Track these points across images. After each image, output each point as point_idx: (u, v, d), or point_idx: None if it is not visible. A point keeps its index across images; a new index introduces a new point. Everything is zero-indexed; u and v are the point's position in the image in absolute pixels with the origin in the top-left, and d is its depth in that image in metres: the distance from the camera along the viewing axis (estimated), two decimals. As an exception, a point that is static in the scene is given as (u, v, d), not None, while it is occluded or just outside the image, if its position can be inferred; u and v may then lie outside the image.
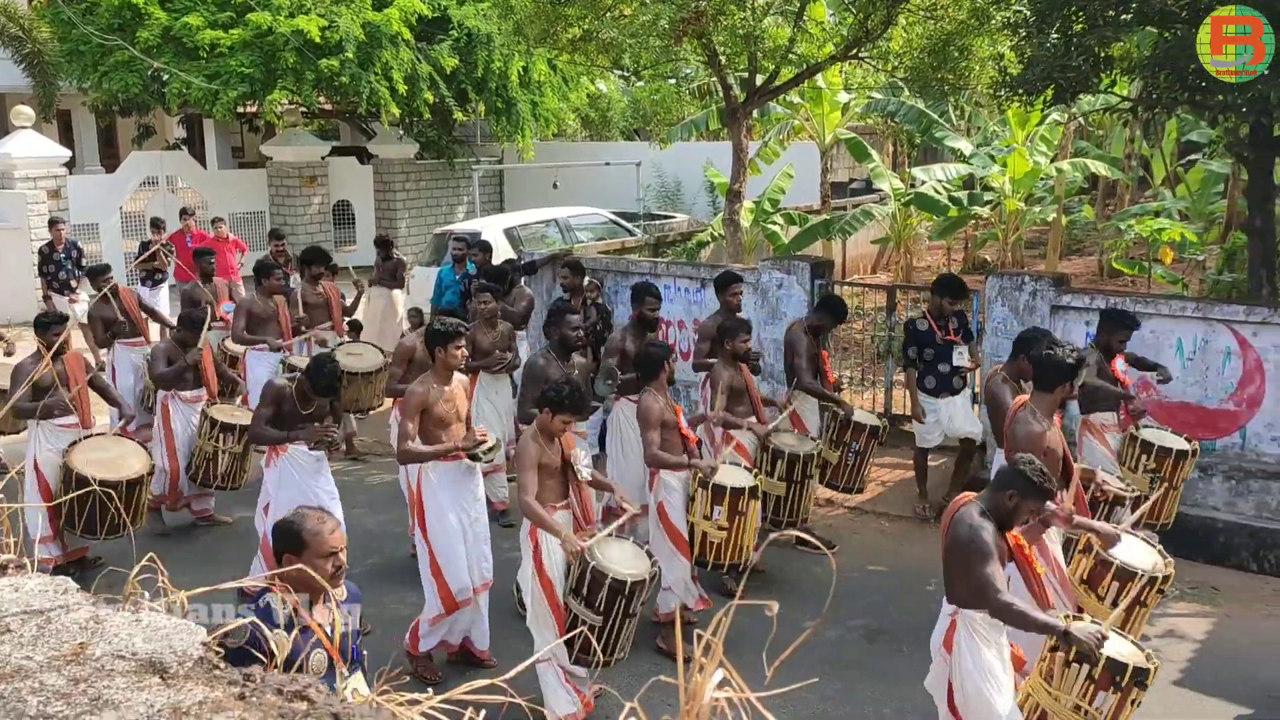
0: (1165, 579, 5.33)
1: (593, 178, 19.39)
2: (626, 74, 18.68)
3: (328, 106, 21.59)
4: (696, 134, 17.33)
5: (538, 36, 11.75)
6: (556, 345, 7.30)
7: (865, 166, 15.15)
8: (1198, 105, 8.83)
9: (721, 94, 12.39)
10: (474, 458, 6.25)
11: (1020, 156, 13.16)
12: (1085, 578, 5.46)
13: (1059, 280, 8.96)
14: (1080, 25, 8.83)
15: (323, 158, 20.24)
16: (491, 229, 13.87)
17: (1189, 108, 9.20)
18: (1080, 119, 15.84)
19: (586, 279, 9.96)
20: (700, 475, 6.50)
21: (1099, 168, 14.25)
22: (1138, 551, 5.43)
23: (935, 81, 10.53)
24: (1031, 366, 5.90)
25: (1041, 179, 14.24)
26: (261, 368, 9.47)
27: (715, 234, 14.34)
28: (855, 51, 11.35)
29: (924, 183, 14.13)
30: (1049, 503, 4.71)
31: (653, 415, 6.42)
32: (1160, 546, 5.56)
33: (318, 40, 16.51)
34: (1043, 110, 11.16)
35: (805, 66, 11.80)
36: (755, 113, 15.54)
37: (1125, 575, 5.30)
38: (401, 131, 20.28)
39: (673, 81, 18.46)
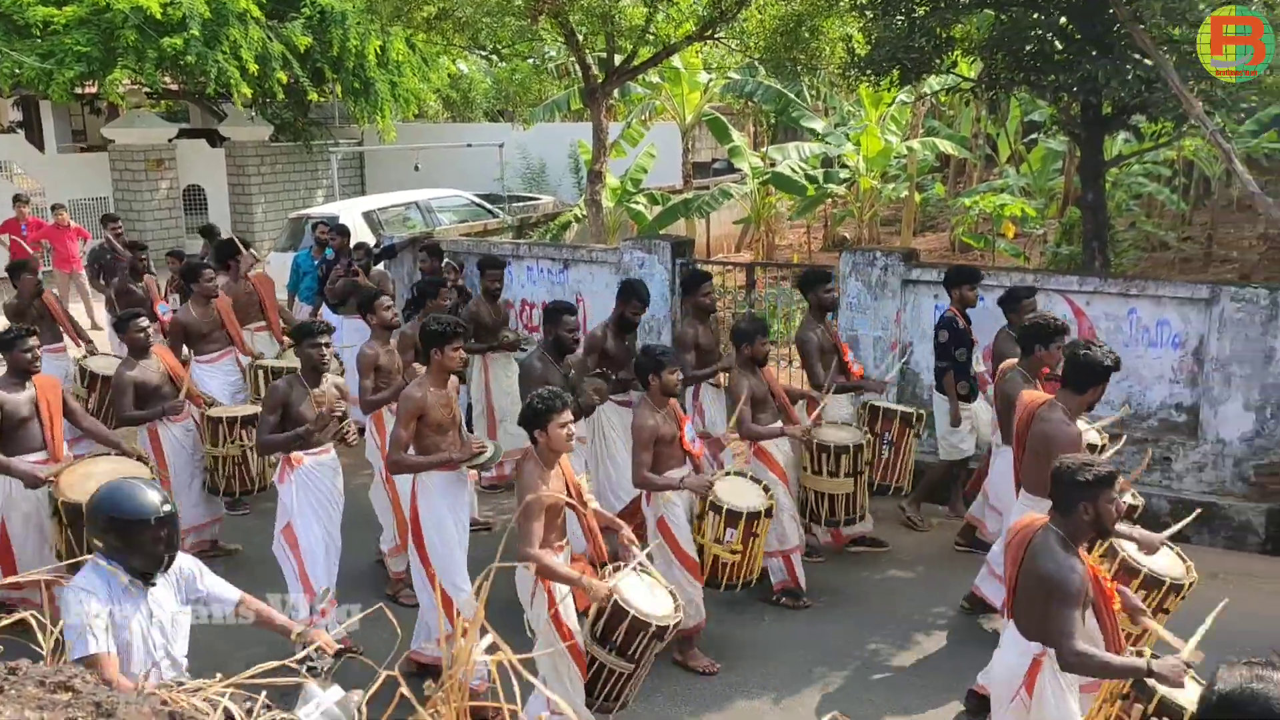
0: (1190, 585, 5.06)
1: (455, 160, 19.10)
2: (486, 54, 18.45)
3: (174, 87, 20.66)
4: (559, 114, 17.26)
5: (390, 14, 11.50)
6: (551, 346, 6.75)
7: (725, 147, 15.35)
8: (1033, 85, 9.23)
9: (581, 74, 12.35)
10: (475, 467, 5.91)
11: (872, 136, 13.55)
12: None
13: (909, 255, 9.26)
14: (923, 8, 9.12)
15: (170, 140, 19.37)
16: (350, 212, 13.56)
17: (1026, 88, 9.60)
18: (931, 99, 16.37)
19: (445, 261, 9.84)
20: (711, 499, 5.96)
21: (947, 146, 14.79)
22: (1161, 559, 5.15)
23: (788, 61, 10.74)
24: (1051, 363, 5.82)
25: (894, 157, 14.68)
26: (214, 381, 8.52)
27: (579, 215, 14.32)
28: (711, 32, 11.46)
29: (782, 162, 14.39)
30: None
31: (645, 434, 5.80)
32: (1179, 550, 5.30)
33: (159, 17, 15.75)
34: (889, 90, 11.50)
35: (663, 46, 11.86)
36: (616, 93, 15.57)
37: (1152, 583, 5.06)
38: (255, 113, 19.57)
39: (533, 61, 18.29)
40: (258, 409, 7.10)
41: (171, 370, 7.38)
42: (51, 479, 6.05)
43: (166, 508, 3.58)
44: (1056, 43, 9.01)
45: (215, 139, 21.00)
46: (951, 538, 7.81)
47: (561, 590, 4.88)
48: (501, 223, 14.24)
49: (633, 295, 7.48)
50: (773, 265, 11.85)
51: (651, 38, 11.71)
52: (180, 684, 1.24)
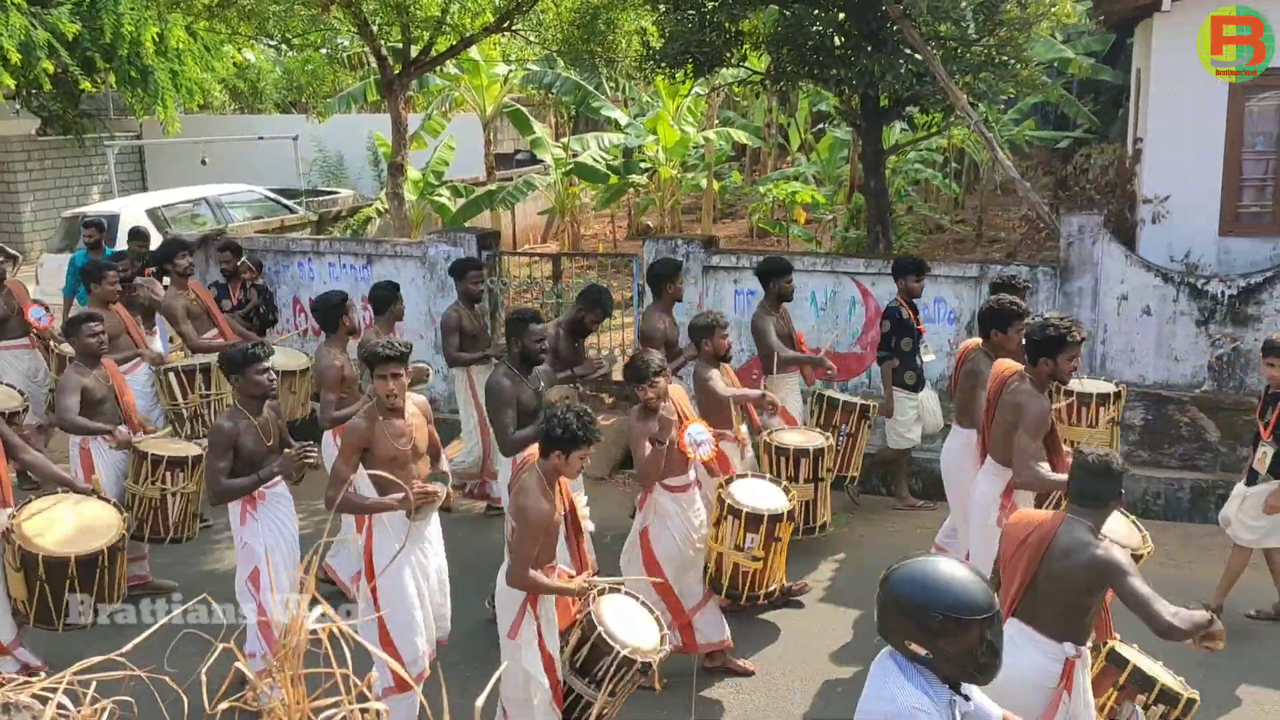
0: (1148, 553, 5.09)
1: (246, 153, 18.32)
2: (274, 43, 17.74)
3: (-76, 77, 18.89)
4: (355, 106, 16.82)
5: (168, 1, 10.93)
6: (517, 359, 6.07)
7: (526, 138, 15.39)
8: (817, 78, 9.71)
9: (376, 65, 12.11)
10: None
11: (666, 126, 13.89)
12: None
13: (709, 242, 9.60)
14: (712, 3, 9.44)
15: (-77, 135, 17.75)
16: (132, 210, 12.81)
17: (811, 80, 10.09)
18: (726, 91, 16.92)
19: (242, 260, 9.49)
20: (730, 502, 5.65)
21: (741, 136, 15.33)
22: (1119, 527, 5.12)
23: (585, 54, 10.87)
24: (1011, 346, 5.79)
25: (692, 148, 15.10)
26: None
27: (381, 209, 14.04)
28: (509, 23, 11.47)
29: (583, 152, 14.55)
30: None
31: (639, 443, 5.42)
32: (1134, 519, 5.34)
33: (-96, 2, 14.39)
34: (684, 83, 11.83)
35: (460, 38, 11.77)
36: (415, 85, 15.33)
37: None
38: (19, 105, 18.15)
39: (325, 52, 17.73)
40: (188, 449, 6.58)
41: (117, 386, 6.71)
42: (8, 525, 5.34)
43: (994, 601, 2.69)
44: (836, 38, 9.50)
45: (-26, 133, 19.37)
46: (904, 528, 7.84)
47: (547, 616, 4.61)
48: (300, 218, 13.79)
49: (597, 305, 7.10)
50: (579, 255, 11.98)
51: (448, 29, 11.61)
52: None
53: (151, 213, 12.93)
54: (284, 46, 19.07)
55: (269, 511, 5.46)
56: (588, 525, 4.97)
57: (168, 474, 6.43)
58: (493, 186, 14.34)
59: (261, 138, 17.36)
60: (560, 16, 10.99)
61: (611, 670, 4.48)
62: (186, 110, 19.51)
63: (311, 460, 5.33)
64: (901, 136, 13.62)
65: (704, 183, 16.14)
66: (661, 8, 9.69)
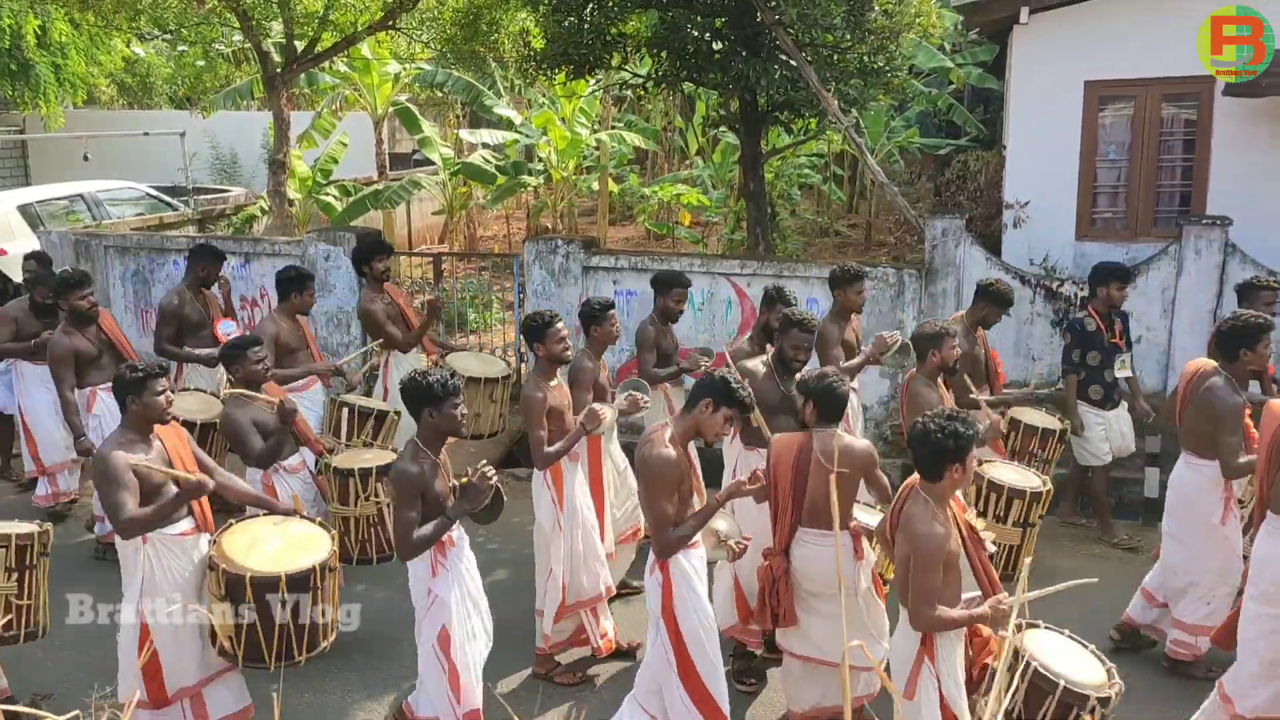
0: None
1: (134, 150, 17.79)
2: (162, 36, 17.30)
3: None
4: (240, 102, 16.49)
5: (38, -8, 10.61)
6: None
7: (415, 137, 15.27)
8: (696, 82, 9.83)
9: (259, 61, 11.91)
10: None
11: (555, 128, 13.91)
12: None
13: (589, 243, 9.67)
14: (592, 6, 9.50)
15: None
16: (3, 205, 12.37)
17: (691, 84, 10.22)
18: (629, 93, 17.02)
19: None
20: (990, 477, 5.62)
21: (636, 139, 15.41)
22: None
23: (469, 53, 10.85)
24: (1260, 364, 5.59)
25: (587, 149, 15.15)
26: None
27: (264, 207, 13.80)
28: (393, 21, 11.39)
29: (474, 151, 14.49)
30: None
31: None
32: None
33: None
34: (562, 85, 11.87)
35: (344, 35, 11.65)
36: (305, 82, 15.10)
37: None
38: (-110, 97, 17.43)
39: (204, 46, 17.29)
40: (386, 455, 6.02)
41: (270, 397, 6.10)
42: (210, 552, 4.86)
43: None
44: (714, 43, 9.64)
45: None
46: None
47: (948, 664, 4.04)
48: (181, 215, 13.48)
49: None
50: (461, 255, 11.95)
51: (332, 25, 11.49)
52: None
53: (24, 208, 12.49)
54: (175, 41, 18.61)
55: (457, 559, 4.83)
56: (989, 545, 4.41)
57: (378, 486, 5.86)
58: (380, 186, 14.20)
59: (147, 133, 16.89)
60: (443, 16, 10.95)
61: (1052, 712, 3.96)
62: (75, 105, 18.92)
63: (493, 479, 4.71)
64: (780, 141, 13.83)
65: (597, 185, 16.20)
66: (541, 9, 9.71)
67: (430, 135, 14.69)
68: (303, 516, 5.34)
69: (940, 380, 5.98)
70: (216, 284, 8.22)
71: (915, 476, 4.17)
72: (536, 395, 5.61)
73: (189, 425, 6.28)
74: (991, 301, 6.87)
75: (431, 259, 10.89)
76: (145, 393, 4.78)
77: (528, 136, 15.13)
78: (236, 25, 11.72)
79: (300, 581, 4.72)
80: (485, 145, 15.23)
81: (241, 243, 10.56)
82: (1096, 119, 9.41)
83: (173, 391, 5.07)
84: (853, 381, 6.84)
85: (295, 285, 7.23)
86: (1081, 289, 8.40)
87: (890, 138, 15.25)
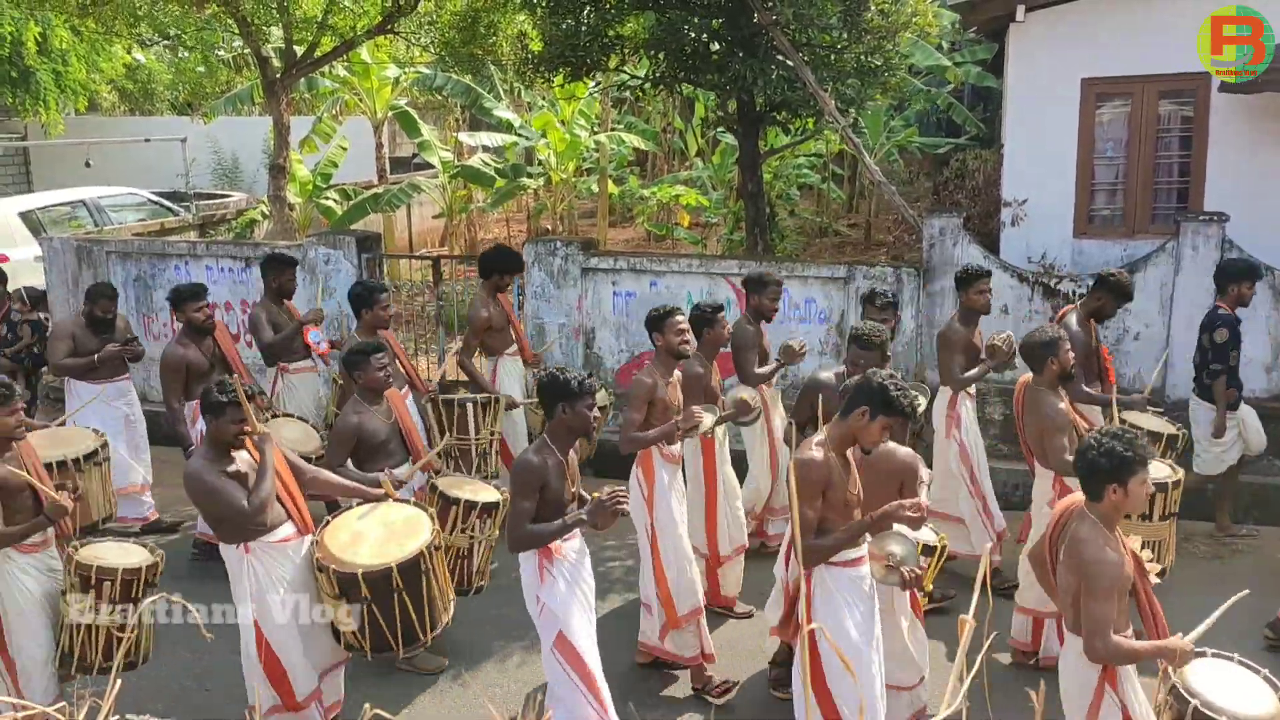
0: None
1: (136, 156, 17.90)
2: (161, 42, 17.39)
3: None
4: (240, 108, 16.56)
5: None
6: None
7: (414, 140, 15.32)
8: (694, 83, 9.86)
9: (258, 66, 11.97)
10: None
11: (554, 129, 13.96)
12: None
13: (587, 245, 9.70)
14: (589, 8, 9.54)
15: None
16: (4, 212, 12.45)
17: (689, 85, 10.25)
18: (629, 95, 17.07)
19: (16, 290, 9.10)
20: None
21: (635, 140, 15.46)
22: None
23: (467, 57, 10.89)
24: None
25: (587, 151, 15.19)
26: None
27: (267, 211, 13.87)
28: (392, 25, 11.43)
29: (474, 153, 14.53)
30: None
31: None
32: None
33: None
34: (560, 88, 11.91)
35: (343, 40, 11.70)
36: (305, 87, 15.16)
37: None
38: (-108, 105, 17.53)
39: (204, 51, 17.39)
40: (490, 492, 5.82)
41: (403, 423, 6.08)
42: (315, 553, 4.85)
43: None
44: (712, 44, 9.67)
45: None
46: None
47: (1134, 694, 3.85)
48: (182, 221, 13.53)
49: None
50: (459, 258, 12.00)
51: (331, 30, 11.54)
52: None
53: (25, 215, 12.58)
54: (175, 47, 18.71)
55: (569, 568, 4.73)
56: (1154, 574, 4.15)
57: (478, 521, 5.71)
58: (379, 190, 14.26)
59: (148, 139, 16.99)
60: (441, 19, 11.00)
61: None
62: (78, 112, 19.01)
63: (625, 507, 4.58)
64: (778, 141, 13.87)
65: (596, 186, 16.24)
66: (538, 12, 9.75)
67: (430, 138, 14.75)
68: (396, 499, 5.29)
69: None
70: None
71: (1079, 495, 3.97)
72: (646, 380, 5.57)
73: None
74: (1110, 292, 6.61)
75: (431, 262, 10.92)
76: (222, 418, 4.83)
77: (527, 139, 15.18)
78: (236, 31, 11.78)
79: (411, 567, 4.77)
80: (485, 148, 15.29)
81: (242, 247, 10.61)
82: (1094, 116, 9.41)
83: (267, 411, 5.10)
84: (970, 389, 6.77)
85: (366, 301, 7.07)
86: (1079, 286, 8.41)
87: (889, 137, 15.28)
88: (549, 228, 17.48)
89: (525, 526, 4.55)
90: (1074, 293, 8.51)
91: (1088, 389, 6.30)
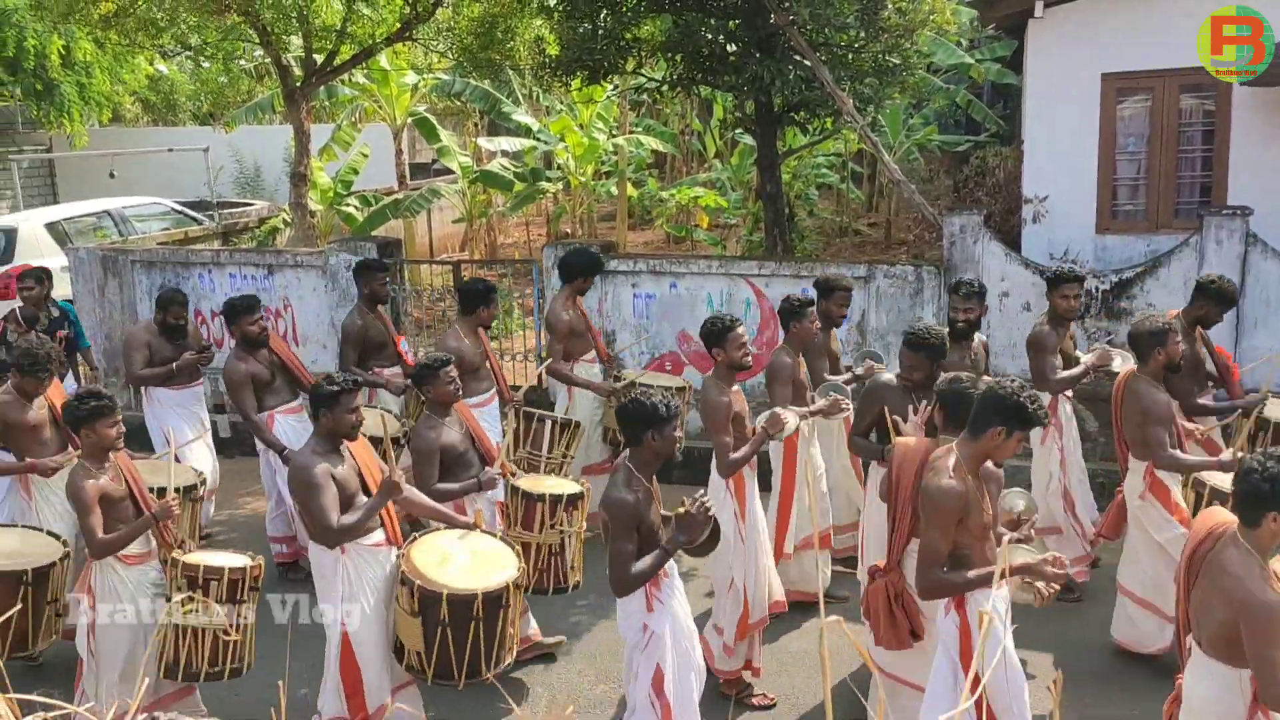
0: None
1: (159, 166, 18.09)
2: (183, 54, 17.58)
3: None
4: (262, 117, 16.70)
5: (62, 12, 10.82)
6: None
7: (433, 147, 15.40)
8: (711, 84, 9.87)
9: (278, 75, 12.07)
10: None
11: (572, 133, 13.99)
12: None
13: (607, 247, 9.73)
14: (605, 12, 9.57)
15: None
16: (31, 223, 12.61)
17: (706, 86, 10.25)
18: (645, 97, 17.10)
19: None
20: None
21: (654, 143, 15.47)
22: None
23: (485, 62, 10.95)
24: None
25: (605, 154, 15.22)
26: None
27: (289, 219, 13.99)
28: (411, 33, 11.51)
29: (493, 158, 14.58)
30: None
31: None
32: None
33: None
34: (578, 91, 11.94)
35: (362, 47, 11.79)
36: (324, 95, 15.27)
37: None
38: (-80, 119, 17.79)
39: (226, 61, 17.59)
40: (566, 484, 5.82)
41: (475, 433, 6.02)
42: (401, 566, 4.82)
43: None
44: (729, 45, 9.67)
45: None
46: None
47: None
48: (206, 230, 13.66)
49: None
50: (479, 262, 12.05)
51: (350, 38, 11.62)
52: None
53: (51, 226, 12.73)
54: (199, 58, 18.91)
55: (670, 592, 4.52)
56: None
57: (565, 515, 5.62)
58: (400, 196, 14.35)
59: (171, 149, 17.16)
60: (459, 26, 11.06)
61: None
62: (99, 123, 19.22)
63: (712, 511, 4.43)
64: (796, 142, 13.86)
65: (615, 189, 16.27)
66: (555, 16, 9.79)
67: (449, 144, 14.82)
68: (483, 530, 5.24)
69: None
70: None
71: (1220, 513, 3.75)
72: (722, 400, 5.39)
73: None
74: (1212, 299, 6.34)
75: (452, 267, 10.97)
76: (337, 408, 4.84)
77: (546, 143, 15.22)
78: (257, 40, 11.88)
79: (495, 599, 4.73)
80: (504, 153, 15.35)
81: (265, 254, 10.71)
82: (1115, 111, 9.36)
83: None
84: (1069, 392, 6.59)
85: (481, 298, 7.09)
86: (1103, 283, 8.36)
87: (908, 135, 15.23)
88: (568, 231, 17.52)
89: (630, 569, 4.31)
90: (1097, 290, 8.46)
91: (1202, 401, 6.15)
